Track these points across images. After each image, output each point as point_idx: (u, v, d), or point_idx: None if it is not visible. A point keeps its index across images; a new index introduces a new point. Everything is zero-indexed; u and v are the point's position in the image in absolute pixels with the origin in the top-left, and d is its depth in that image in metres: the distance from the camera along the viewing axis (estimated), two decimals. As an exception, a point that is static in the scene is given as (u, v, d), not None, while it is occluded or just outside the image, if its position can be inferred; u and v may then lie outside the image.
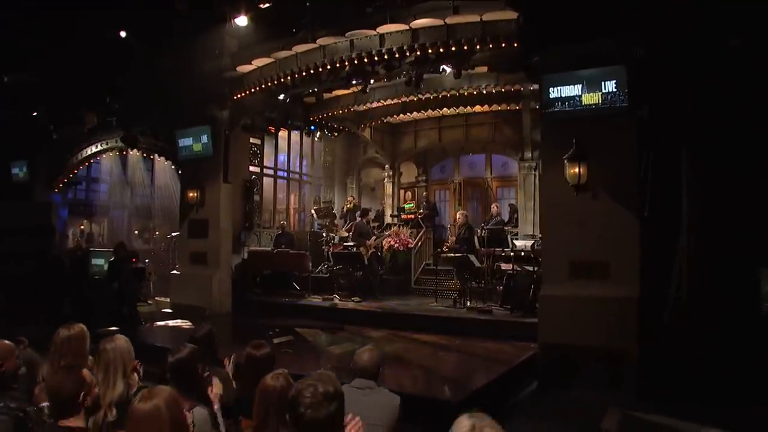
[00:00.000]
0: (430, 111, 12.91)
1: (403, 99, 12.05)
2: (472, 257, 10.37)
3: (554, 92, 7.76)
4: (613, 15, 7.27)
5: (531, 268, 9.66)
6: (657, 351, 7.25)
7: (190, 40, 10.95)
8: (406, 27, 8.66)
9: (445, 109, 12.68)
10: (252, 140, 13.17)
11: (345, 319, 10.26)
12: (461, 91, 11.16)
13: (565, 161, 7.59)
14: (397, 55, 8.80)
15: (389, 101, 12.35)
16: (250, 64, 10.48)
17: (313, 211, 14.77)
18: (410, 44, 8.65)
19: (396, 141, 15.01)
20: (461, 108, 12.55)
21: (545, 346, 7.59)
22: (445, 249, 11.43)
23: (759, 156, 7.14)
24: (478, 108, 12.33)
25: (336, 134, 14.79)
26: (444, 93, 11.25)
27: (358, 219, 12.24)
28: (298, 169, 14.92)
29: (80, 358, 3.68)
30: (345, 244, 11.91)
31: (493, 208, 12.61)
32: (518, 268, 9.94)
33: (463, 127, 13.70)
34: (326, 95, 12.49)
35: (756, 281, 7.34)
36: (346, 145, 15.90)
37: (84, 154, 14.10)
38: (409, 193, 15.40)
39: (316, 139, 15.19)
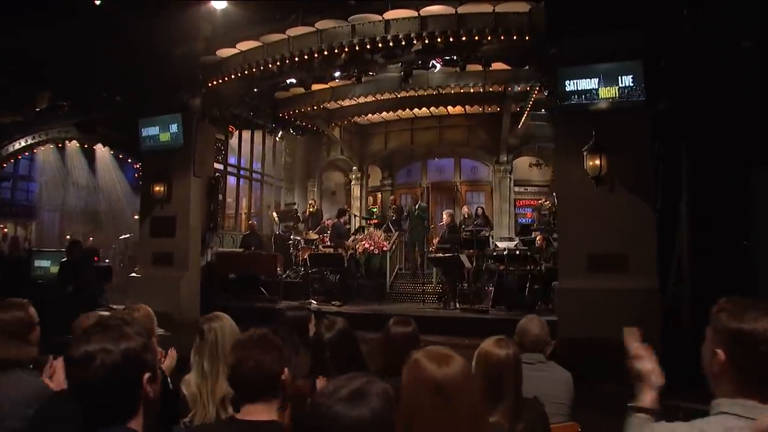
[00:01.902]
0: (407, 110, 12.66)
1: (386, 96, 11.67)
2: (463, 257, 10.15)
3: (570, 85, 7.76)
4: (631, 11, 7.42)
5: (528, 267, 9.57)
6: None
7: (160, 20, 10.00)
8: (415, 14, 8.37)
9: (423, 109, 12.48)
10: (216, 135, 12.22)
11: (332, 324, 9.59)
12: (447, 90, 11.01)
13: (585, 153, 7.59)
14: (403, 43, 8.47)
15: (370, 98, 11.93)
16: (234, 47, 9.71)
17: (274, 214, 13.96)
18: (418, 32, 8.35)
19: (365, 142, 14.59)
20: (441, 109, 12.43)
21: (564, 340, 7.43)
22: (431, 250, 11.14)
23: (752, 149, 7.48)
24: (459, 109, 12.27)
25: (301, 133, 14.12)
26: (431, 90, 11.04)
27: (335, 220, 11.69)
28: (259, 169, 14.04)
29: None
30: (324, 245, 11.29)
31: (465, 209, 12.50)
32: (511, 268, 9.83)
33: (437, 129, 13.56)
34: (301, 90, 11.88)
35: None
36: (308, 146, 15.24)
37: (16, 147, 12.39)
38: (371, 198, 15.01)
39: (277, 138, 14.43)
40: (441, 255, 10.26)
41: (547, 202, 13.56)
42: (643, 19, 7.38)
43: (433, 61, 10.13)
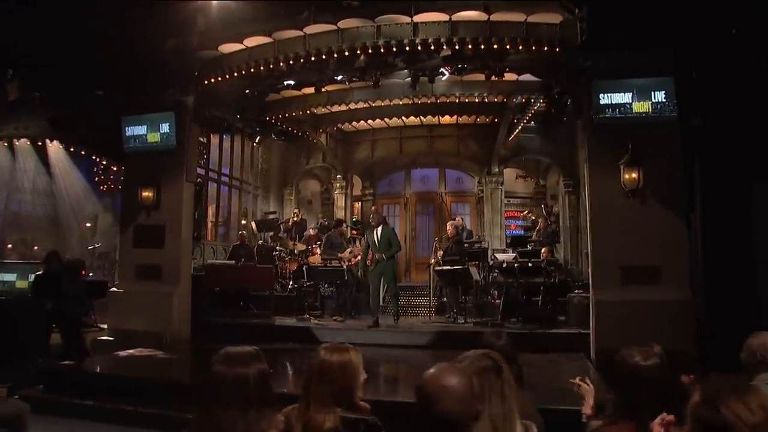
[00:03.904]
0: (398, 119, 12.33)
1: (385, 102, 11.31)
2: (473, 269, 9.93)
3: (604, 98, 7.78)
4: (665, 29, 7.56)
5: (542, 279, 9.49)
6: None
7: (150, 8, 9.09)
8: (446, 18, 8.11)
9: (414, 117, 12.20)
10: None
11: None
12: (451, 99, 10.84)
13: (621, 166, 7.63)
14: (432, 48, 8.17)
15: (364, 104, 11.51)
16: (239, 43, 9.00)
17: (252, 224, 13.12)
18: (448, 37, 8.09)
19: (350, 150, 14.08)
20: (432, 118, 12.22)
21: (602, 353, 7.39)
22: (434, 263, 10.82)
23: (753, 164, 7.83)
24: (450, 119, 12.11)
25: (284, 138, 13.41)
26: (433, 98, 10.81)
27: (331, 231, 11.16)
28: (237, 175, 13.16)
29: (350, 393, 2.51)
30: (323, 257, 10.69)
31: (458, 219, 12.31)
32: (521, 280, 9.70)
33: (427, 138, 13.32)
34: (293, 93, 11.28)
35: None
36: (285, 153, 14.48)
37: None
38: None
39: (254, 143, 13.63)
40: (449, 268, 9.96)
41: (531, 214, 13.73)
42: (677, 37, 7.55)
43: (443, 69, 9.92)
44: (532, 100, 10.66)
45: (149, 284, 9.21)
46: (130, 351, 7.99)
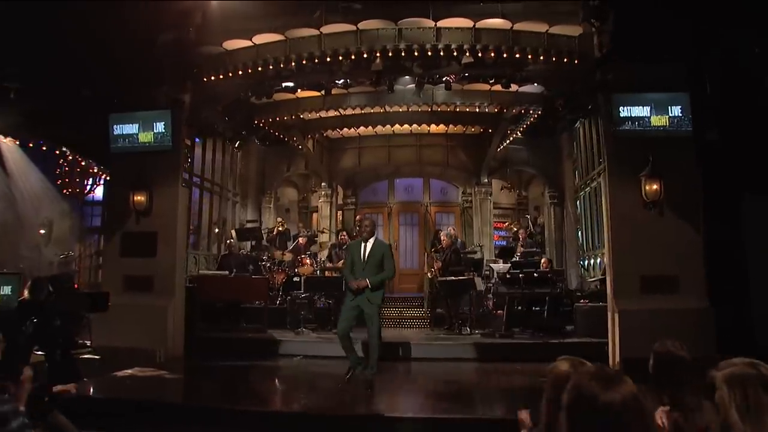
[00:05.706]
0: (387, 126, 12.07)
1: (382, 109, 11.06)
2: (478, 280, 9.82)
3: (624, 111, 7.92)
4: (681, 45, 7.81)
5: (547, 290, 9.50)
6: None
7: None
8: (470, 24, 8.01)
9: (409, 125, 12.00)
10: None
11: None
12: (452, 107, 10.74)
13: (642, 178, 7.76)
14: (455, 54, 8.02)
15: (359, 110, 11.20)
16: (248, 40, 8.47)
17: (233, 232, 12.39)
18: (472, 44, 7.98)
19: (336, 157, 13.64)
20: (422, 127, 12.05)
21: (627, 361, 7.44)
22: (433, 274, 10.59)
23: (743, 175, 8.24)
24: (440, 128, 12.06)
25: (268, 144, 12.82)
26: (435, 107, 10.66)
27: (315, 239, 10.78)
28: (217, 181, 12.39)
29: None
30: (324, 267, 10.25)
31: (451, 230, 12.15)
32: (527, 290, 9.67)
33: (415, 147, 13.13)
34: (286, 96, 10.80)
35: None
36: (264, 159, 13.82)
37: None
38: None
39: (234, 147, 12.92)
40: (454, 278, 9.78)
41: (512, 225, 13.81)
42: (694, 53, 7.82)
43: (447, 77, 9.80)
44: (531, 111, 10.73)
45: (140, 297, 8.43)
46: (128, 371, 7.24)
